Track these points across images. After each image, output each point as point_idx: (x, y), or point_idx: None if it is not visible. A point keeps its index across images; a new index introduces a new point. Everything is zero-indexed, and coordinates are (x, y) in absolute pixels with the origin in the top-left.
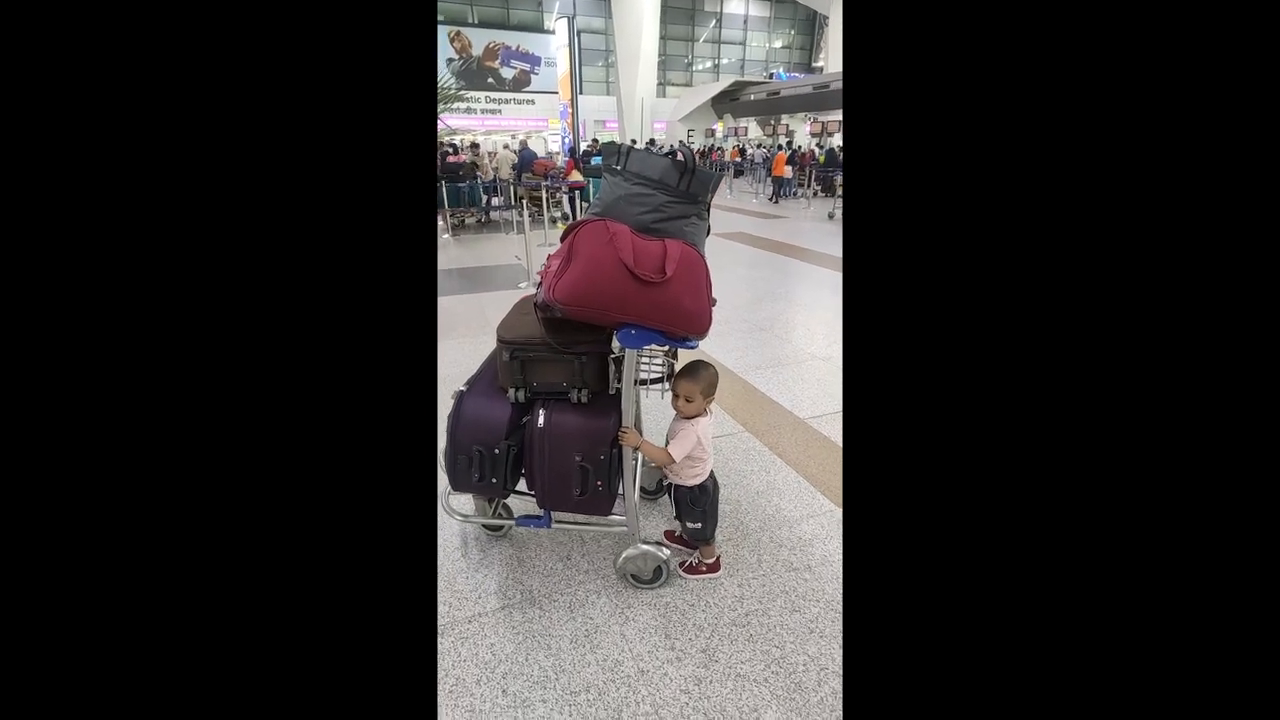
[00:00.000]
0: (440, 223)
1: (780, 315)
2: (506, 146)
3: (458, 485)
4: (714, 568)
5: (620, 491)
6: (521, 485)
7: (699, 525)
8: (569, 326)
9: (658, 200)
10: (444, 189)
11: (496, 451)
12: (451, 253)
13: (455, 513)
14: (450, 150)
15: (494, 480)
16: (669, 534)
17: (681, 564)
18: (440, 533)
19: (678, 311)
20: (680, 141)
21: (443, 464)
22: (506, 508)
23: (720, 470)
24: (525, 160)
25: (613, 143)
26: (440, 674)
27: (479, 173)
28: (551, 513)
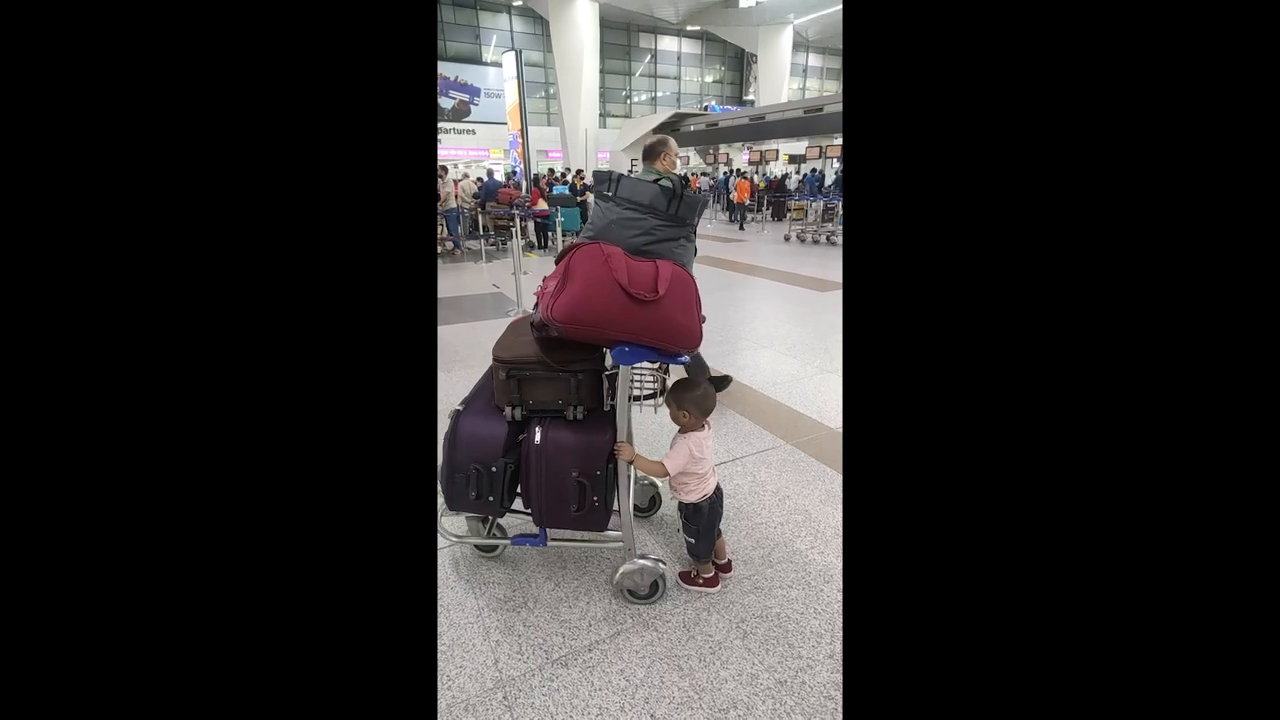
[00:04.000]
0: None
1: (777, 333)
2: (465, 176)
3: (455, 505)
4: (711, 582)
5: (616, 507)
6: (517, 504)
7: (693, 541)
8: (565, 345)
9: (648, 224)
10: None
11: (494, 469)
12: None
13: (449, 533)
14: None
15: (491, 498)
16: (683, 574)
17: (681, 573)
18: (560, 561)
19: (671, 327)
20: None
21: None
22: (500, 528)
23: (775, 480)
24: (490, 189)
25: (604, 170)
26: (579, 703)
27: (438, 201)
28: (547, 531)
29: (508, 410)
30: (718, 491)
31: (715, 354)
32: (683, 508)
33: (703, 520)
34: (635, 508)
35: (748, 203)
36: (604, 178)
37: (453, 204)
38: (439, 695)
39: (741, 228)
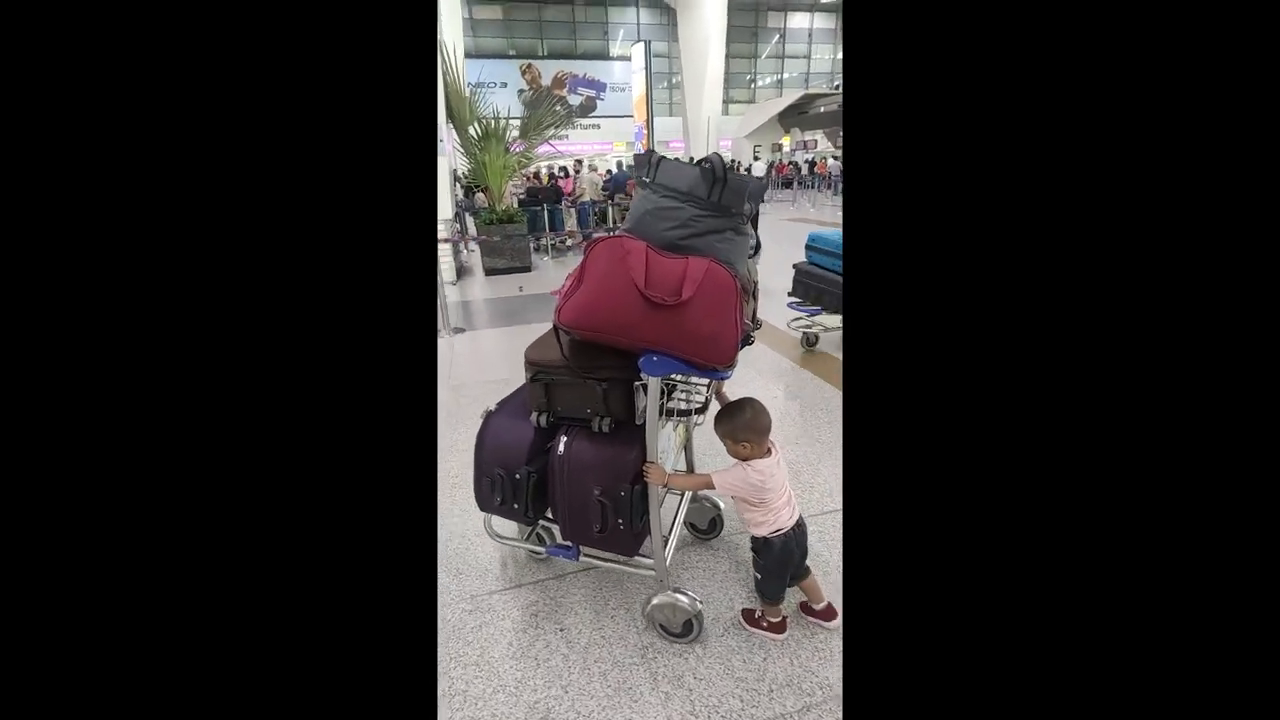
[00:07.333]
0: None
1: None
2: (594, 169)
3: (483, 505)
4: (776, 628)
5: (647, 532)
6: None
7: (759, 578)
8: (591, 349)
9: (686, 214)
10: (546, 212)
11: (517, 476)
12: (553, 275)
13: (496, 534)
14: (562, 174)
15: (516, 506)
16: (747, 613)
17: (744, 611)
18: (728, 601)
19: (694, 337)
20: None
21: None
22: (548, 531)
23: None
24: (619, 182)
25: (646, 152)
26: None
27: (569, 196)
28: (579, 546)
29: (534, 416)
30: (799, 527)
31: None
32: (753, 540)
33: (772, 557)
34: (693, 528)
35: None
36: (644, 161)
37: (586, 197)
38: None
39: None
